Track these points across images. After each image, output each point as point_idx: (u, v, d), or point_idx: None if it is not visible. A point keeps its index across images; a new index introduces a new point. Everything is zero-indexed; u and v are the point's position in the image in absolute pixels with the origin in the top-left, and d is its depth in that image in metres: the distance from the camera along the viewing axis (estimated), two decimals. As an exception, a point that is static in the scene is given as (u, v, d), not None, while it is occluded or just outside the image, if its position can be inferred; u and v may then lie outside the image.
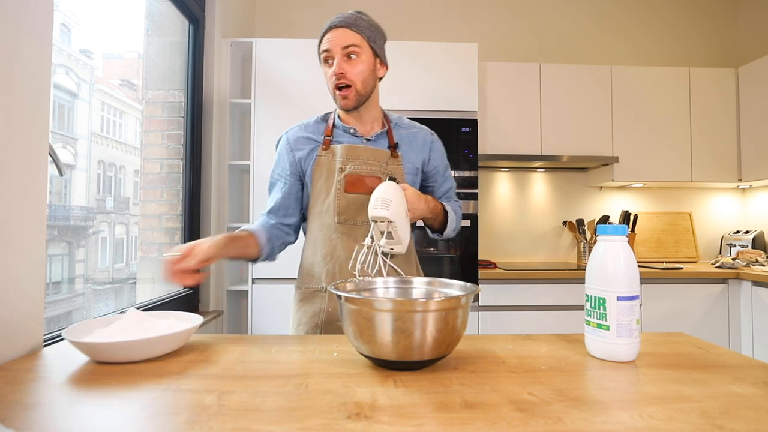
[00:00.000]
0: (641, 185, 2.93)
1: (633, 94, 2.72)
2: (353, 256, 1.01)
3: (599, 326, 0.72)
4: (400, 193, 1.00)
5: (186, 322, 0.82)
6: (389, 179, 1.01)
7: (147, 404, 0.54)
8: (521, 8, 3.03)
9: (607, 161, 2.64)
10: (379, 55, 1.09)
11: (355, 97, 1.06)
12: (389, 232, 0.98)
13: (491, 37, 2.99)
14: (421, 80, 2.33)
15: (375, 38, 1.07)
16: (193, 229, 2.09)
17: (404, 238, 1.00)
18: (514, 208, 2.97)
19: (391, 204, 0.96)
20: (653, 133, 2.73)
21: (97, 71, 1.61)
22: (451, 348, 0.68)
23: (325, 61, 1.06)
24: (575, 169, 3.00)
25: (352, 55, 1.03)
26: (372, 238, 0.99)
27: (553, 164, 2.75)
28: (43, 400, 0.56)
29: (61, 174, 0.89)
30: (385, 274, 1.00)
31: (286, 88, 2.28)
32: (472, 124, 2.31)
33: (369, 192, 1.02)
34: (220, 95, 2.27)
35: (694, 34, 3.12)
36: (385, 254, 1.02)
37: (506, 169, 2.97)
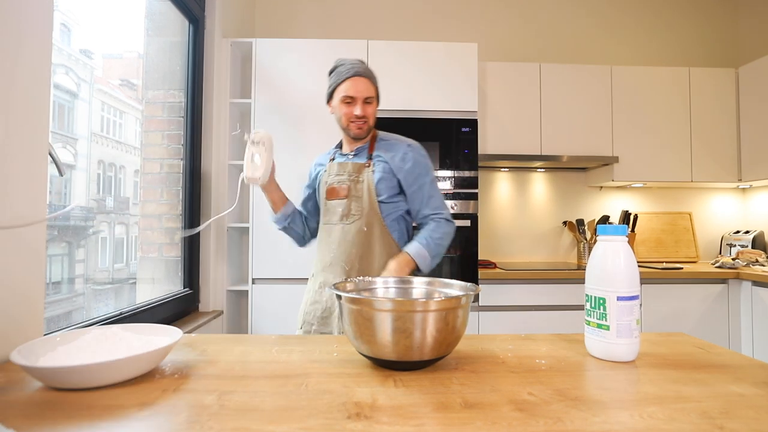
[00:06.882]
0: (641, 185, 2.93)
1: (633, 94, 2.72)
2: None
3: (599, 326, 0.73)
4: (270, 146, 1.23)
5: (163, 337, 0.71)
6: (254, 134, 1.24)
7: (147, 403, 0.54)
8: (521, 8, 3.03)
9: (607, 161, 2.64)
10: (379, 98, 1.42)
11: (367, 129, 1.36)
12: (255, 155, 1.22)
13: (491, 37, 3.00)
14: (421, 80, 2.33)
15: (377, 85, 1.38)
16: (193, 228, 2.08)
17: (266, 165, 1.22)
18: (514, 208, 2.97)
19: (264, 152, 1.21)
20: (653, 133, 2.73)
21: (97, 71, 1.61)
22: (451, 348, 0.68)
23: (344, 100, 1.31)
24: (575, 169, 3.00)
25: (369, 100, 1.33)
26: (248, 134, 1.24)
27: (553, 164, 2.75)
28: (43, 400, 0.56)
29: (61, 174, 0.89)
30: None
31: (286, 88, 2.28)
32: (472, 124, 2.31)
33: (339, 198, 1.32)
34: (220, 95, 2.27)
35: (694, 35, 3.12)
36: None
37: (506, 169, 2.97)
